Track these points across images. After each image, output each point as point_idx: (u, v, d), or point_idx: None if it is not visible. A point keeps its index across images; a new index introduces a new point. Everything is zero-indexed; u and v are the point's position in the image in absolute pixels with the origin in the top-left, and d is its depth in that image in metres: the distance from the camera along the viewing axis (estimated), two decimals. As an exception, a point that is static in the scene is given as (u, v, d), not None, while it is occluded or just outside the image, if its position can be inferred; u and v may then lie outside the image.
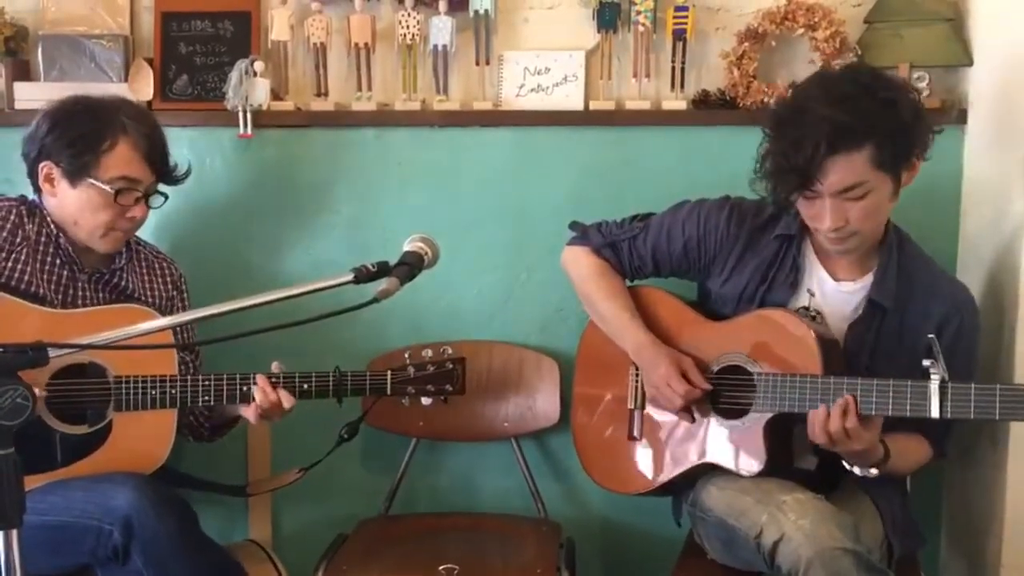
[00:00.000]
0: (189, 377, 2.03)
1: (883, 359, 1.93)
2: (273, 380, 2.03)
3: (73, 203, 2.05)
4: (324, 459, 2.17)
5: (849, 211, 1.86)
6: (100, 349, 1.89)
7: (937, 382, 1.76)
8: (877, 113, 1.80)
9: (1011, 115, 2.15)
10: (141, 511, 1.83)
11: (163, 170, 2.12)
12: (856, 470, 1.88)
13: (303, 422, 2.29)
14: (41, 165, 2.05)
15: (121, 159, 2.03)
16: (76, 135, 2.02)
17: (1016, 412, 1.73)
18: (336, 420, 2.16)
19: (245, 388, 2.03)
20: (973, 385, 1.75)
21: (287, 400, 2.03)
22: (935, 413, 1.76)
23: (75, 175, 2.03)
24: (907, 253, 2.01)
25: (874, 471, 1.87)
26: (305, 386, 2.06)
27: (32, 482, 1.84)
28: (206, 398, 2.02)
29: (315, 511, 2.59)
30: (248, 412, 2.06)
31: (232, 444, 2.39)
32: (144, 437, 2.00)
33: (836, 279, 2.01)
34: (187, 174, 2.19)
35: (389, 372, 2.14)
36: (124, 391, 1.98)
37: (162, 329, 1.81)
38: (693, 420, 2.04)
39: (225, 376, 2.03)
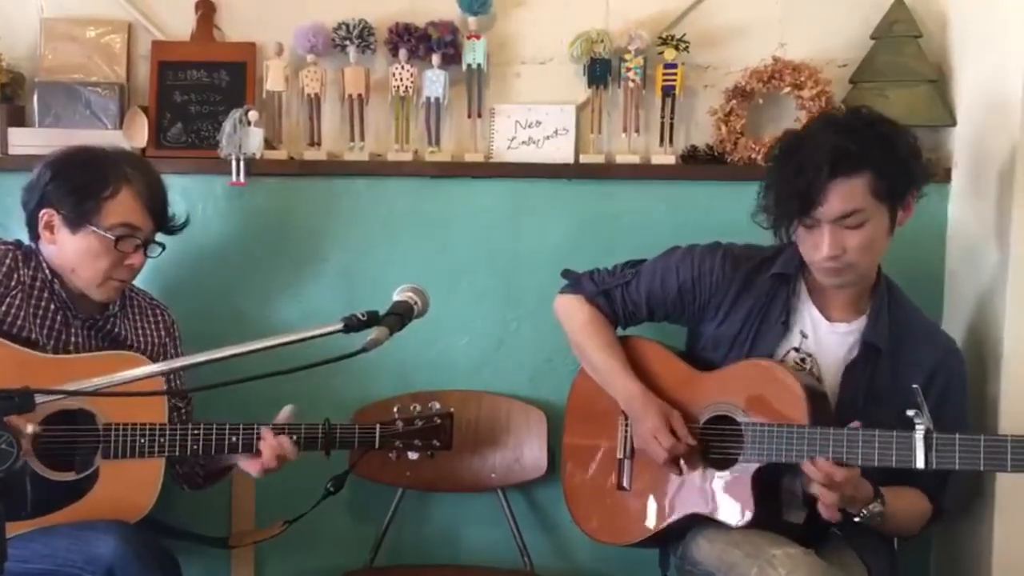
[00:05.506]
0: (179, 426, 2.02)
1: (875, 402, 1.94)
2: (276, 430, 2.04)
3: (73, 250, 2.05)
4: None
5: (847, 240, 1.90)
6: (89, 396, 1.88)
7: (922, 432, 1.77)
8: (876, 144, 1.88)
9: (994, 174, 2.18)
10: (124, 560, 1.81)
11: (163, 219, 2.14)
12: (858, 517, 1.87)
13: (288, 473, 2.26)
14: (42, 213, 2.06)
15: (123, 206, 2.04)
16: (79, 182, 2.04)
17: (999, 463, 1.74)
18: (321, 470, 2.14)
19: (234, 438, 2.03)
20: (957, 435, 1.76)
21: (291, 451, 2.04)
22: (920, 464, 1.77)
23: (76, 222, 2.03)
24: (898, 299, 2.06)
25: (874, 508, 1.86)
26: (294, 437, 2.05)
27: (15, 528, 1.81)
28: (195, 447, 2.01)
29: (299, 562, 2.55)
30: (251, 467, 2.06)
31: (216, 495, 2.36)
32: (130, 486, 1.98)
33: (830, 320, 2.03)
34: (185, 223, 2.21)
35: (378, 426, 2.13)
36: (112, 438, 1.97)
37: (151, 376, 1.81)
38: (681, 473, 2.04)
39: (215, 425, 2.03)
